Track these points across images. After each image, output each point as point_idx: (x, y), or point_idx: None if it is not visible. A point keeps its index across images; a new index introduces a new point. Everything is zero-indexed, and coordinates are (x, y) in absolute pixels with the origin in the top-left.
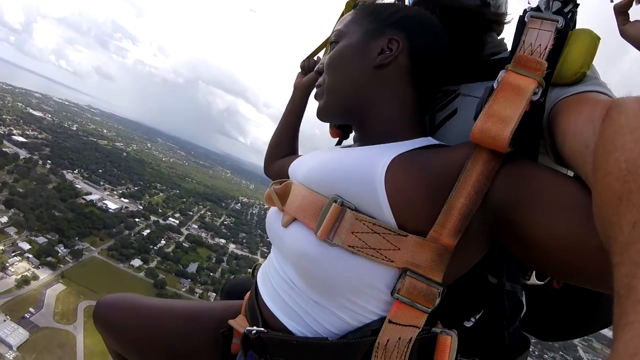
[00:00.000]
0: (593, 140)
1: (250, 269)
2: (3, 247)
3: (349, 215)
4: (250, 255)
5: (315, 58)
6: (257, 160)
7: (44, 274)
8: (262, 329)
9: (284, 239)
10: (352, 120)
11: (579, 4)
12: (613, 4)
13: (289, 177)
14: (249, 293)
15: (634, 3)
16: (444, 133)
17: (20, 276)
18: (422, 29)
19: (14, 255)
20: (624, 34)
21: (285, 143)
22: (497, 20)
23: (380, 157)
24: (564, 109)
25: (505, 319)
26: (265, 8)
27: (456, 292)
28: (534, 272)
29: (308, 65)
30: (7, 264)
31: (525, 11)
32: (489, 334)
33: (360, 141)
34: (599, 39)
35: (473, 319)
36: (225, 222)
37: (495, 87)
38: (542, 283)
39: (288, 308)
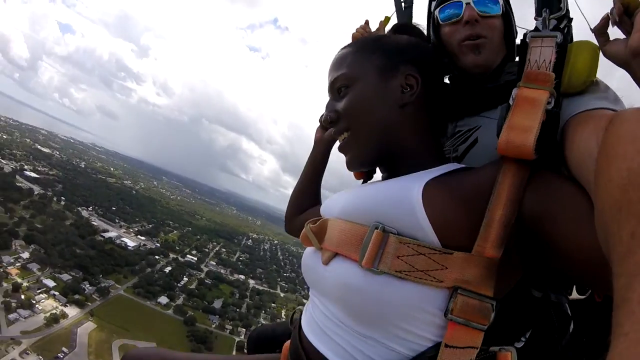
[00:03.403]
0: (597, 149)
1: (274, 303)
2: (28, 284)
3: (392, 240)
4: (270, 290)
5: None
6: (260, 197)
7: (73, 312)
8: None
9: (325, 276)
10: (383, 162)
11: (572, 19)
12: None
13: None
14: (287, 343)
15: (610, 24)
16: (468, 162)
17: (49, 314)
18: (429, 60)
19: (39, 293)
20: (605, 54)
21: (307, 197)
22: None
23: (414, 182)
24: (574, 124)
25: (556, 332)
26: (264, 47)
27: (503, 311)
28: (575, 287)
29: None
30: (34, 301)
31: (524, 35)
32: (542, 352)
33: (390, 177)
34: (599, 48)
35: (523, 339)
36: (240, 258)
37: (511, 103)
38: (583, 297)
39: (337, 347)
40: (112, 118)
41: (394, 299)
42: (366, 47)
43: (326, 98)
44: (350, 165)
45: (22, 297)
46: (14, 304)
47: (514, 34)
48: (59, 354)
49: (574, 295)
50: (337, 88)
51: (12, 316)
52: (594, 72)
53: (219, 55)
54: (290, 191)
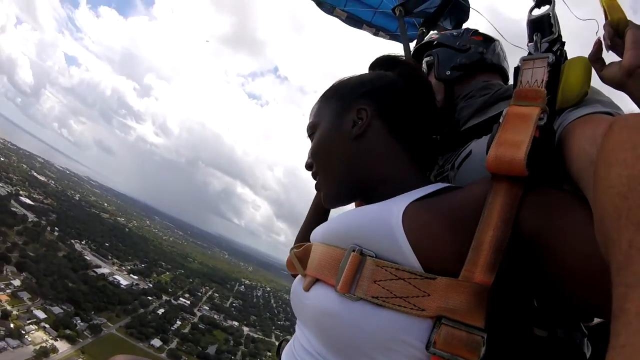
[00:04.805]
0: (596, 155)
1: (270, 352)
2: (18, 313)
3: (369, 263)
4: (265, 339)
5: None
6: (253, 242)
7: (63, 347)
8: None
9: (306, 304)
10: (358, 195)
11: (564, 42)
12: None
13: None
14: None
15: (604, 49)
16: (461, 175)
17: (38, 347)
18: (383, 89)
19: (29, 323)
20: (602, 79)
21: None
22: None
23: (394, 204)
24: (570, 132)
25: None
26: (264, 95)
27: (500, 355)
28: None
29: None
30: (24, 332)
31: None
32: None
33: None
34: (597, 73)
35: None
36: (234, 305)
37: (501, 121)
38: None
39: None
40: (109, 153)
41: (370, 328)
42: (327, 93)
43: None
44: (325, 202)
45: (12, 325)
46: (2, 332)
47: (442, 70)
48: None
49: (596, 320)
50: (308, 137)
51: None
52: (587, 85)
53: (219, 100)
54: (282, 238)
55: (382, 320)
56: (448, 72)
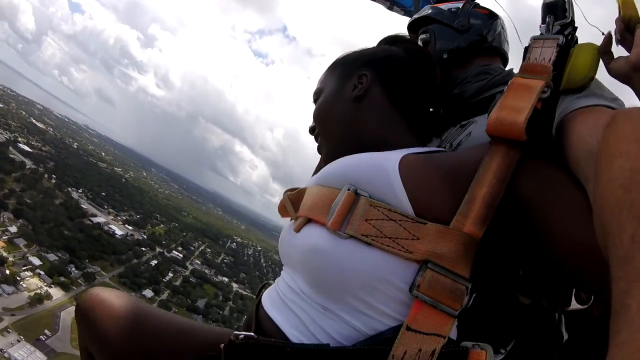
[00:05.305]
0: (597, 146)
1: None
2: (13, 259)
3: (362, 202)
4: (253, 296)
5: None
6: (246, 201)
7: (57, 294)
8: (252, 334)
9: (295, 244)
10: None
11: (577, 27)
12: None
13: None
14: None
15: (614, 43)
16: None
17: (33, 293)
18: (386, 60)
19: (24, 270)
20: (610, 72)
21: None
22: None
23: (392, 153)
24: (571, 120)
25: (544, 345)
26: (270, 54)
27: (482, 317)
28: (574, 297)
29: None
30: (19, 278)
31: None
32: None
33: None
34: (605, 65)
35: (503, 351)
36: (225, 261)
37: (505, 90)
38: (584, 307)
39: (293, 316)
40: (108, 103)
41: (358, 266)
42: (334, 64)
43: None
44: (325, 163)
45: (7, 272)
46: None
47: (439, 53)
48: (41, 336)
49: (573, 305)
50: (314, 103)
51: None
52: (594, 70)
53: (224, 55)
54: (277, 199)
55: (370, 259)
56: (445, 56)
